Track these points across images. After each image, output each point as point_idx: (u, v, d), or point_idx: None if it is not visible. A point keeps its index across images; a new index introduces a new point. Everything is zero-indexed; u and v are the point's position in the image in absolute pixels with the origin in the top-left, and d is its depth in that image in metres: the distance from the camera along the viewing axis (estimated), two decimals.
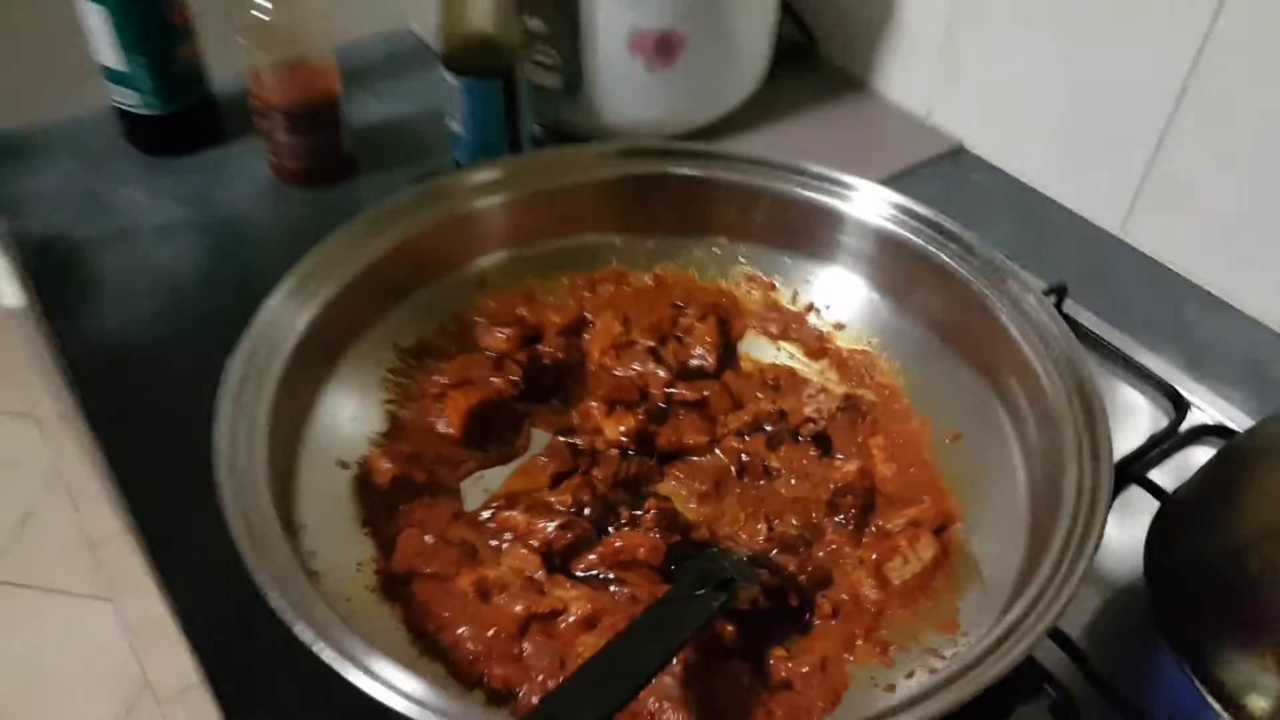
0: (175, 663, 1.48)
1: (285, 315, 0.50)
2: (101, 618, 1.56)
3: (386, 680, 0.36)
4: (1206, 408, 0.66)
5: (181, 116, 0.81)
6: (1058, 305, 0.70)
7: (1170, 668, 0.49)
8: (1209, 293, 0.75)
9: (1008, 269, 0.54)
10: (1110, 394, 0.67)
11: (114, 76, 0.78)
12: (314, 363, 0.51)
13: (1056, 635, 0.49)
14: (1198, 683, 0.48)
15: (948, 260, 0.56)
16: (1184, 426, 0.63)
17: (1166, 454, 0.63)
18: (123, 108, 0.80)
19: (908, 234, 0.57)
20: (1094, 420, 0.48)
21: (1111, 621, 0.54)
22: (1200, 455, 0.62)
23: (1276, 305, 0.72)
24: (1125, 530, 0.55)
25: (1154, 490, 0.57)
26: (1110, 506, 0.44)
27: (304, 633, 0.38)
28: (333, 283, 0.53)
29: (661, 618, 0.42)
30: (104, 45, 0.76)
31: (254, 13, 0.73)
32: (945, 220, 0.57)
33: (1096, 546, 0.41)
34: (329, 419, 0.52)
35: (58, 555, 1.62)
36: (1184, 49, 0.71)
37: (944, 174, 0.87)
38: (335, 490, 0.50)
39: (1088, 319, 0.72)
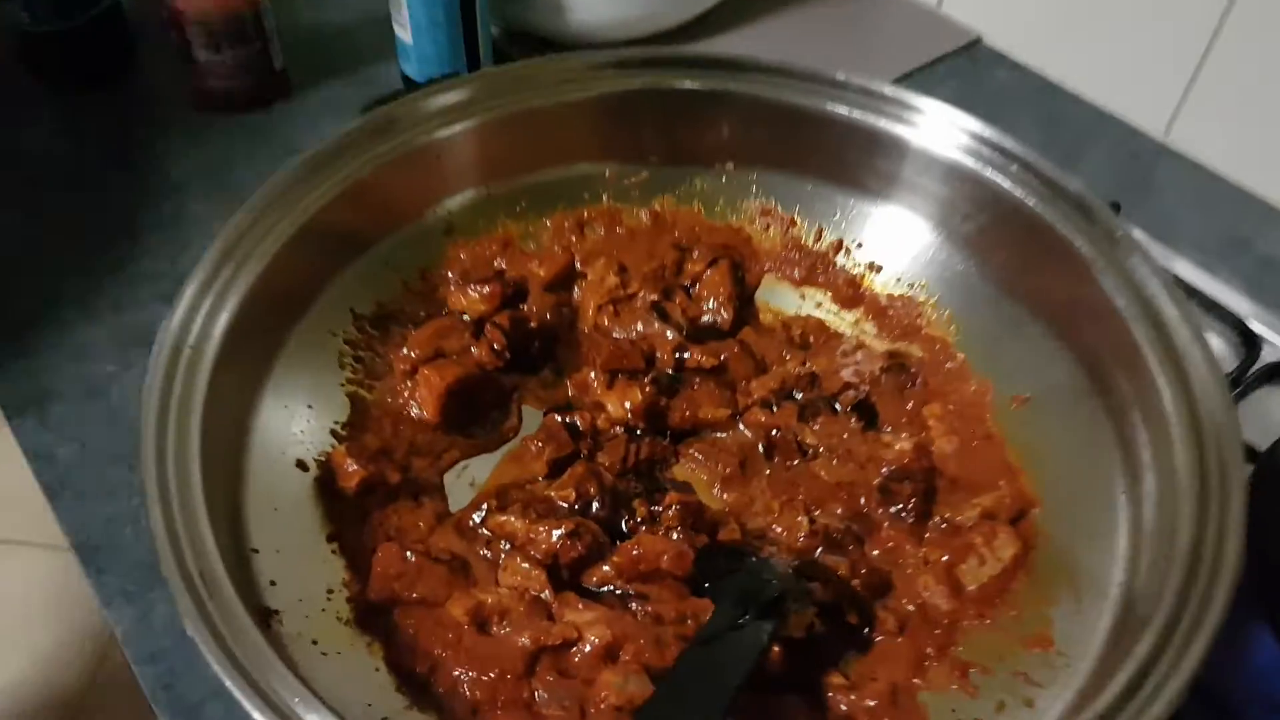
0: None
1: (213, 292, 0.40)
2: (64, 565, 1.48)
3: None
4: (1278, 340, 0.58)
5: (83, 35, 0.69)
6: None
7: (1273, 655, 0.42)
8: (1268, 203, 0.69)
9: (1135, 246, 0.45)
10: None
11: None
12: (254, 344, 0.42)
13: None
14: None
15: (1024, 199, 0.47)
16: (1256, 366, 0.56)
17: (1240, 398, 0.55)
18: (18, 27, 0.68)
19: (972, 163, 0.48)
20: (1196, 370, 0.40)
21: None
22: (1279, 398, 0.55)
23: None
24: None
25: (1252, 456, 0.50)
26: (1248, 500, 0.36)
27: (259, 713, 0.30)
28: (270, 242, 0.43)
29: (701, 665, 0.34)
30: None
31: None
32: (1007, 140, 0.48)
33: (1240, 554, 0.33)
34: (279, 411, 0.43)
35: (11, 505, 1.53)
36: None
37: (960, 72, 0.78)
38: (294, 499, 0.41)
39: (1140, 238, 0.63)
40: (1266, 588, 0.43)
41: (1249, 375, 0.57)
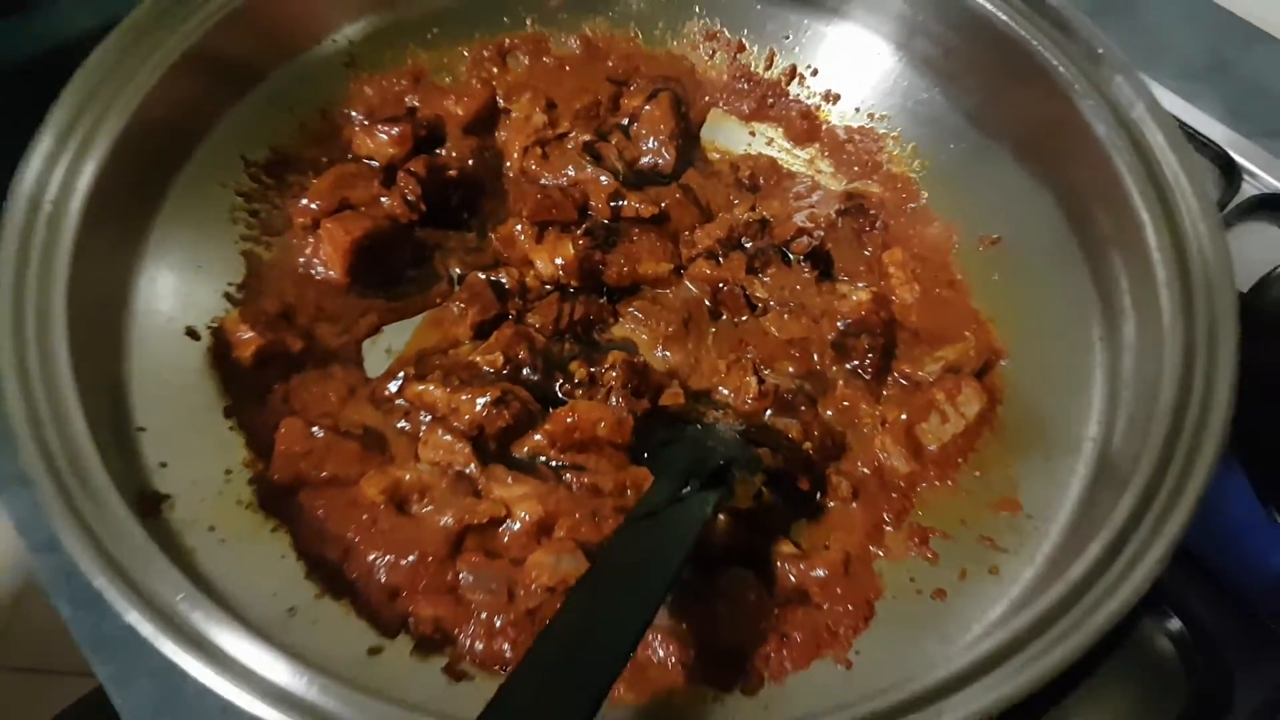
0: None
1: (75, 139, 0.35)
2: None
3: (246, 669, 0.25)
4: (1260, 173, 0.56)
5: None
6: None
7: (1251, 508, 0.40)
8: (1251, 24, 0.65)
9: (1117, 61, 0.40)
10: None
11: None
12: (128, 199, 0.36)
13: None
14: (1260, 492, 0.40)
15: (995, 13, 0.42)
16: (1236, 199, 0.54)
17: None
18: None
19: None
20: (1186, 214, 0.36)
21: None
22: (1260, 235, 0.52)
23: None
24: None
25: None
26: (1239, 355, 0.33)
27: (138, 624, 0.26)
28: (142, 78, 0.37)
29: (640, 540, 0.31)
30: None
31: None
32: None
33: (1229, 416, 0.30)
34: (163, 274, 0.38)
35: None
36: None
37: None
38: (185, 372, 0.37)
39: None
40: (1244, 436, 0.41)
41: (1229, 210, 0.54)
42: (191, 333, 0.38)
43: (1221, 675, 0.30)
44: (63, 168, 0.34)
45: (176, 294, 0.38)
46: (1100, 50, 0.40)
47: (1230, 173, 0.55)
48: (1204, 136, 0.57)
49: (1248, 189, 0.55)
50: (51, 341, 0.31)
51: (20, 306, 0.32)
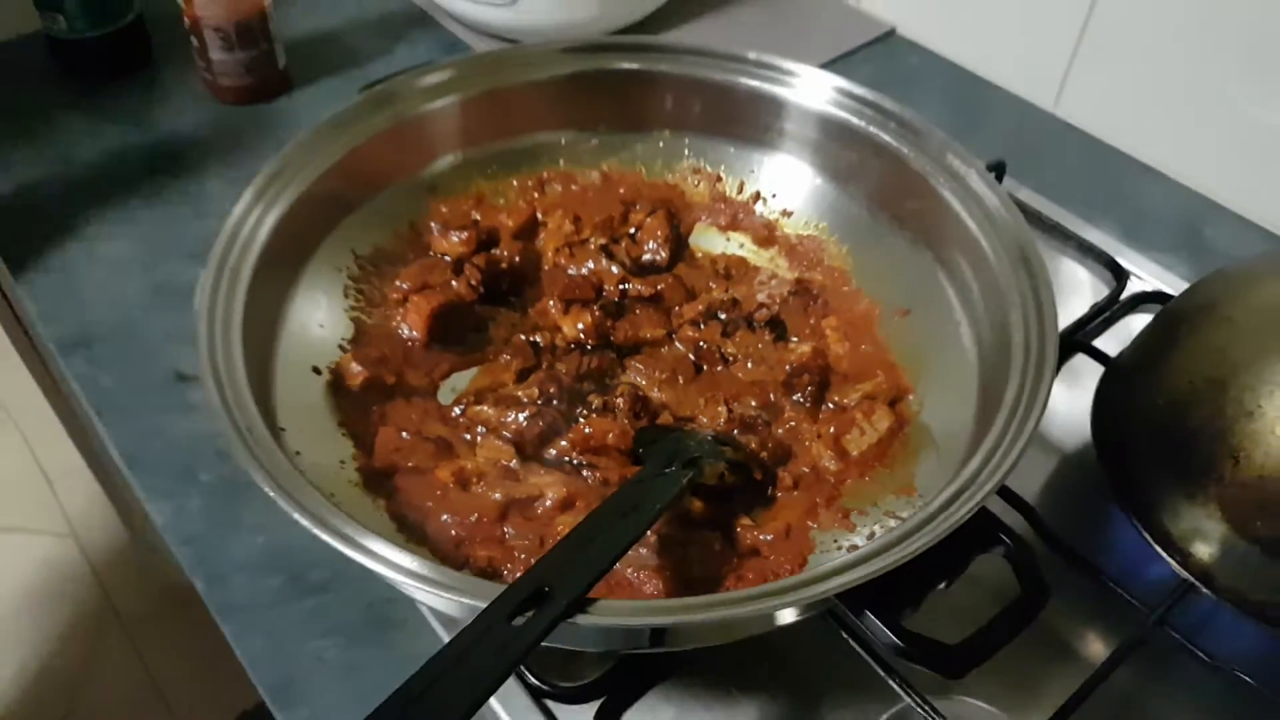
0: (140, 588, 1.50)
1: (248, 224, 0.50)
2: (63, 551, 1.56)
3: (385, 558, 0.38)
4: (1145, 276, 0.69)
5: (111, 40, 0.79)
6: (998, 181, 0.73)
7: (1119, 521, 0.52)
8: (1143, 164, 0.79)
9: (949, 145, 0.56)
10: (1052, 267, 0.69)
11: (40, 1, 0.76)
12: (279, 272, 0.52)
13: (1011, 497, 0.53)
14: (1145, 533, 0.52)
15: (890, 140, 0.58)
16: (1124, 295, 0.67)
17: (1109, 322, 0.66)
18: (51, 34, 0.78)
19: (848, 115, 0.59)
20: (1037, 285, 0.50)
21: (1065, 485, 0.58)
22: (1141, 321, 0.65)
23: (1207, 171, 0.76)
24: (1074, 397, 0.58)
25: (1098, 356, 0.61)
26: (1057, 368, 0.46)
27: (302, 517, 0.39)
28: (291, 191, 0.53)
29: (634, 495, 0.44)
30: None
31: None
32: (884, 100, 0.58)
33: (1044, 405, 0.44)
34: (298, 327, 0.52)
35: (11, 493, 1.61)
36: None
37: (877, 58, 0.88)
38: (311, 395, 0.51)
39: (1026, 195, 0.75)
40: (1111, 467, 0.54)
41: (1117, 303, 0.67)
42: (316, 370, 0.52)
43: (1039, 582, 0.43)
44: (253, 219, 0.50)
45: (305, 344, 0.53)
46: (939, 141, 0.56)
47: (1119, 273, 0.70)
48: (1099, 248, 0.71)
49: (1133, 286, 0.69)
50: (232, 353, 0.46)
51: (212, 319, 0.46)
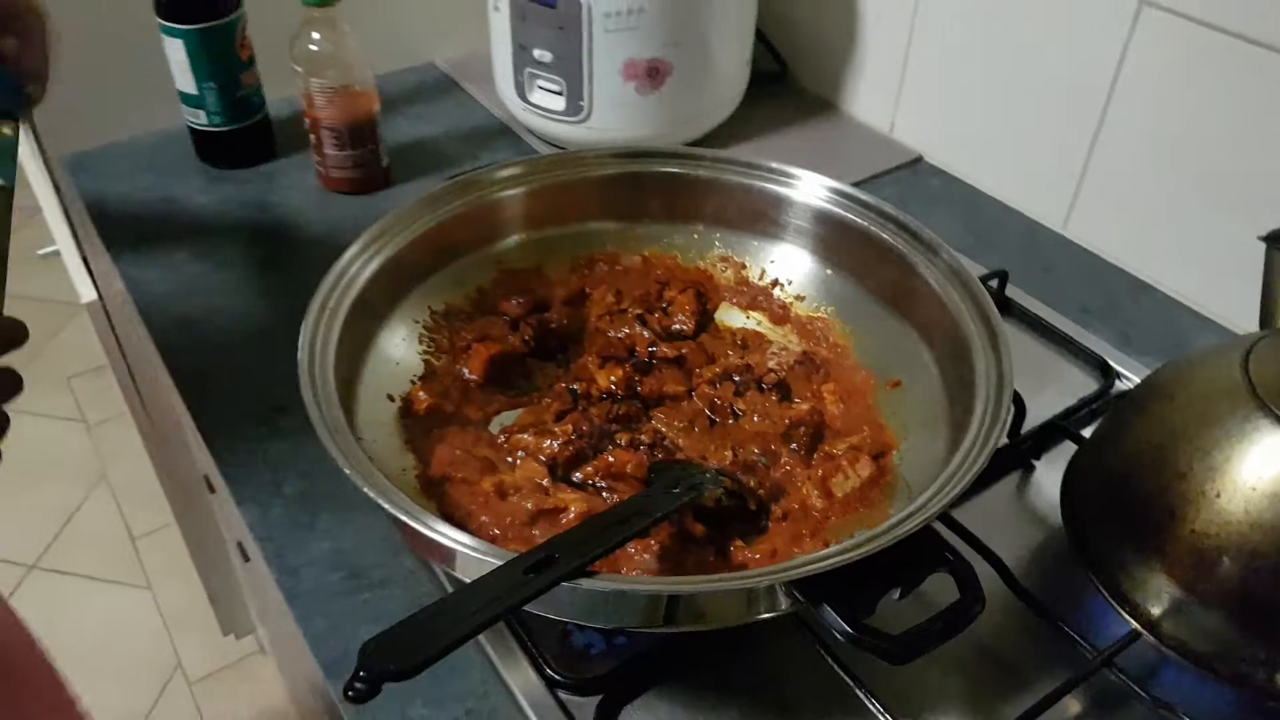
0: (206, 646, 1.60)
1: (350, 272, 0.62)
2: (139, 605, 1.67)
3: (450, 536, 0.47)
4: (1133, 377, 0.77)
5: (243, 133, 0.95)
6: (1001, 289, 0.82)
7: (1081, 577, 0.59)
8: (1140, 279, 0.88)
9: (936, 242, 0.65)
10: (1047, 366, 0.79)
11: (188, 100, 0.92)
12: (368, 315, 0.63)
13: (987, 553, 0.60)
14: (1099, 586, 0.58)
15: (886, 238, 0.68)
16: (1112, 392, 0.75)
17: (1095, 414, 0.74)
18: (194, 126, 0.94)
19: (851, 215, 0.69)
20: (1001, 360, 0.59)
21: (1043, 551, 0.64)
22: None
23: (1194, 288, 0.84)
24: (1058, 478, 0.65)
25: (1079, 440, 0.68)
26: (1007, 422, 0.54)
27: (383, 501, 0.48)
28: (387, 250, 0.64)
29: (640, 503, 0.53)
30: (181, 73, 0.89)
31: (309, 45, 0.86)
32: (883, 204, 0.68)
33: (991, 450, 0.51)
34: (379, 362, 0.63)
35: (99, 547, 1.75)
36: (1101, 79, 0.83)
37: (903, 180, 0.99)
38: (384, 416, 0.61)
39: (1029, 302, 0.83)
40: (1074, 530, 0.61)
41: (1105, 398, 0.74)
42: (390, 397, 0.63)
43: (976, 591, 0.49)
44: (354, 268, 0.61)
45: (383, 375, 0.63)
46: (928, 237, 0.65)
47: (1108, 374, 0.77)
48: (1092, 350, 0.78)
49: (1121, 386, 0.76)
50: (326, 373, 0.56)
51: (313, 345, 0.57)
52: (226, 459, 0.67)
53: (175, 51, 0.88)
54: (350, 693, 0.35)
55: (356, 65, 0.88)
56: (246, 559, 0.87)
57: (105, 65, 0.92)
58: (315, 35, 0.86)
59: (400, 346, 0.66)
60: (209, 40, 0.88)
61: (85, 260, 1.04)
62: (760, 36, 1.03)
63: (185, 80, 0.90)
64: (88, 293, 1.02)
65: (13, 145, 0.55)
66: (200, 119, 0.93)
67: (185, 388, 0.73)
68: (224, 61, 0.90)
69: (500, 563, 0.45)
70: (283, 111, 0.98)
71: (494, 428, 0.65)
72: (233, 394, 0.72)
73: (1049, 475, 0.69)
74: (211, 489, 0.90)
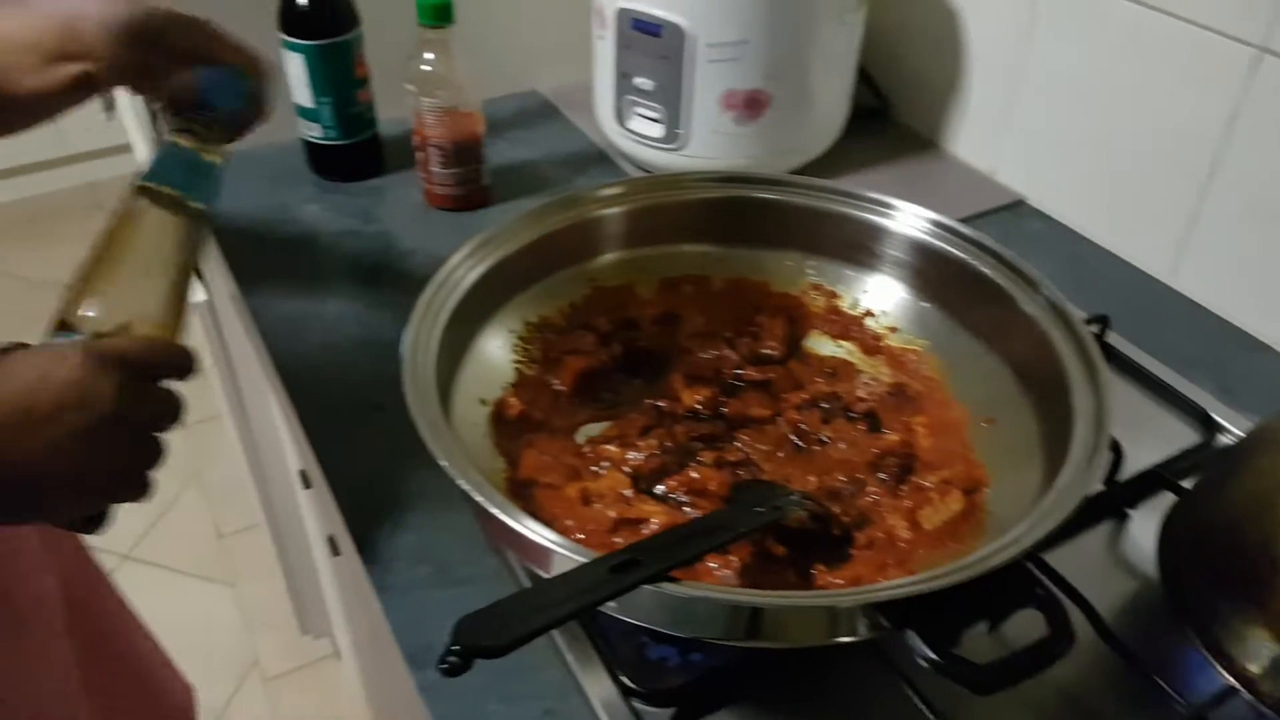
0: (284, 646, 1.63)
1: (455, 275, 0.64)
2: (222, 601, 1.72)
3: (542, 532, 0.48)
4: (1236, 430, 0.74)
5: (354, 148, 0.99)
6: (1101, 334, 0.80)
7: (1178, 629, 0.57)
8: (1248, 333, 0.85)
9: (1037, 278, 0.64)
10: (1146, 415, 0.76)
11: (304, 113, 0.96)
12: (468, 320, 0.65)
13: (1078, 599, 0.58)
14: (1196, 639, 0.56)
15: (986, 272, 0.67)
16: (1213, 445, 0.72)
17: (1195, 466, 0.71)
18: (309, 140, 0.98)
19: (950, 248, 0.68)
20: (1101, 401, 0.57)
21: (1140, 602, 0.62)
22: None
23: None
24: (1156, 528, 0.63)
25: (1178, 490, 0.66)
26: (1105, 464, 0.53)
27: (476, 497, 0.50)
28: (491, 258, 0.66)
29: (723, 518, 0.53)
30: (299, 87, 0.94)
31: (423, 66, 0.89)
32: (983, 237, 0.68)
33: (1084, 491, 0.50)
34: (474, 367, 0.65)
35: (189, 543, 1.81)
36: (1215, 119, 0.81)
37: (1003, 223, 0.98)
38: (477, 419, 0.63)
39: (1130, 349, 0.81)
40: (1171, 582, 0.59)
41: (1207, 450, 0.72)
42: (483, 401, 0.64)
43: (1066, 628, 0.48)
44: (459, 272, 0.63)
45: (478, 380, 0.65)
46: (1029, 273, 0.64)
47: (1210, 426, 0.74)
48: (1194, 401, 0.76)
49: (1222, 439, 0.74)
50: (426, 371, 0.58)
51: (415, 345, 0.58)
52: (326, 453, 0.69)
53: (295, 66, 0.93)
54: (444, 665, 0.36)
55: (465, 87, 0.91)
56: (336, 553, 0.89)
57: None
58: (429, 56, 0.89)
59: (495, 353, 0.67)
60: (327, 57, 0.92)
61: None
62: (863, 72, 1.04)
63: (303, 94, 0.94)
64: (197, 294, 1.07)
65: (219, 172, 0.57)
66: (315, 132, 0.97)
67: (290, 384, 0.75)
68: (340, 78, 0.94)
69: (586, 558, 0.45)
70: (391, 130, 1.02)
71: (579, 438, 0.66)
72: (334, 392, 0.74)
73: (1144, 525, 0.67)
74: (307, 484, 0.93)
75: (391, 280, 0.87)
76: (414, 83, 0.90)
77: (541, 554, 0.48)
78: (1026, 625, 0.49)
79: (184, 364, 0.50)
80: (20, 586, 0.65)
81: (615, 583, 0.43)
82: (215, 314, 1.09)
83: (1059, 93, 0.94)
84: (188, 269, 0.54)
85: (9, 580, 0.64)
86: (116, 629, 0.81)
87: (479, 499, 0.49)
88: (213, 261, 0.95)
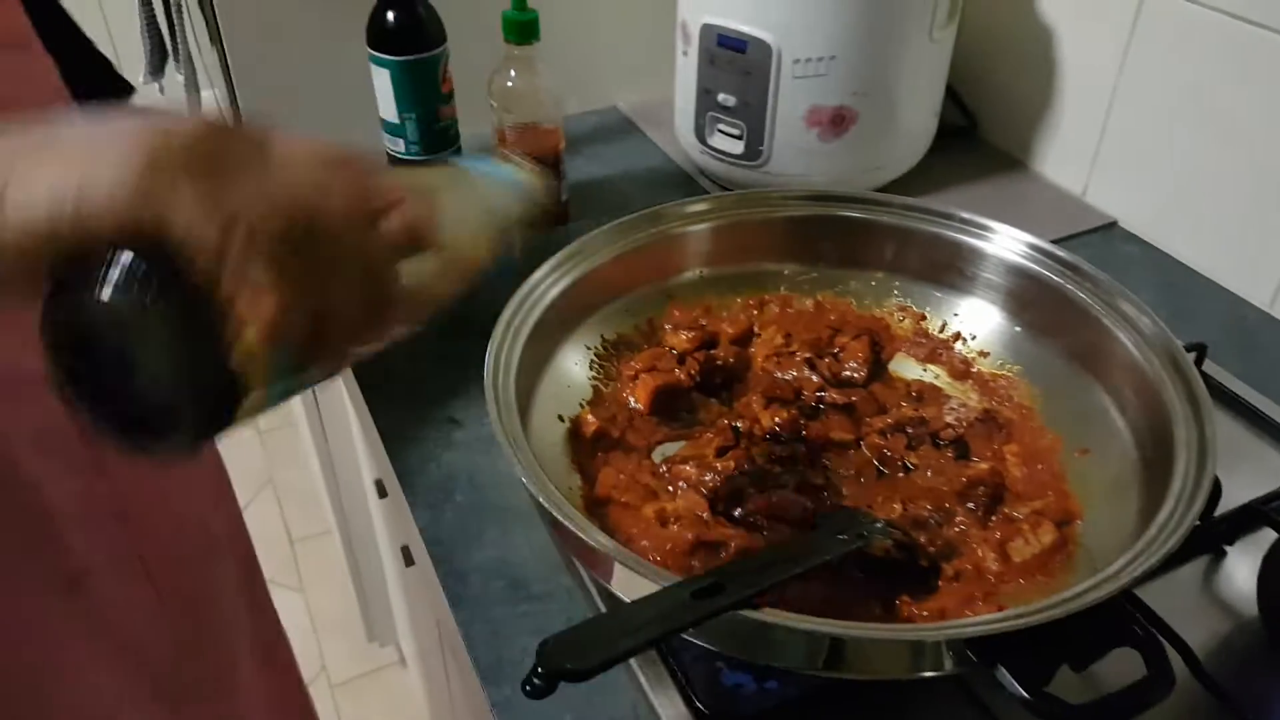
0: (350, 652, 1.65)
1: (537, 291, 0.64)
2: (291, 606, 1.75)
3: (623, 553, 0.47)
4: None
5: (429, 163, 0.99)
6: (1198, 362, 0.76)
7: (1276, 673, 0.54)
8: None
9: (1137, 304, 0.62)
10: (1247, 447, 0.72)
11: (389, 128, 0.97)
12: (548, 336, 0.64)
13: (1174, 638, 0.54)
14: None
15: (1084, 297, 0.64)
16: None
17: None
18: (392, 153, 0.99)
19: (1047, 273, 0.66)
20: (1204, 438, 0.54)
21: (1239, 642, 0.59)
22: None
23: None
24: (1257, 566, 0.60)
25: (1279, 527, 0.62)
26: (1206, 499, 0.50)
27: (555, 513, 0.49)
28: (572, 275, 0.66)
29: (807, 544, 0.51)
30: (385, 102, 0.95)
31: (507, 82, 0.90)
32: (1082, 262, 0.65)
33: (1186, 530, 0.48)
34: (552, 384, 0.65)
35: (260, 547, 1.84)
36: None
37: (1095, 245, 0.94)
38: (554, 435, 0.63)
39: (1227, 379, 0.77)
40: (1274, 625, 0.56)
41: None
42: (560, 418, 0.64)
43: (1166, 670, 0.45)
44: (541, 288, 0.63)
45: (555, 397, 0.65)
46: (1129, 299, 0.62)
47: None
48: None
49: None
50: (508, 389, 0.58)
51: (497, 360, 0.58)
52: (402, 464, 0.70)
53: (382, 81, 0.94)
54: (528, 688, 0.35)
55: (547, 103, 0.91)
56: (410, 563, 0.89)
57: (318, 91, 0.99)
58: (513, 73, 0.90)
59: (573, 370, 0.67)
60: (414, 72, 0.93)
61: None
62: (950, 91, 1.01)
63: (389, 109, 0.95)
64: None
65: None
66: (399, 147, 0.98)
67: (369, 395, 0.76)
68: (426, 93, 0.95)
69: (668, 584, 0.44)
70: (473, 146, 1.03)
71: (656, 457, 0.65)
72: (412, 404, 0.75)
73: (1243, 562, 0.63)
74: (383, 493, 0.93)
75: (470, 295, 0.87)
76: (496, 98, 0.91)
77: (620, 574, 0.47)
78: (1119, 664, 0.46)
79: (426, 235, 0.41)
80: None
81: (699, 608, 0.42)
82: None
83: (1155, 114, 0.90)
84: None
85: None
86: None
87: (558, 515, 0.48)
88: None
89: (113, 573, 0.63)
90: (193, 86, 1.10)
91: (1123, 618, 0.47)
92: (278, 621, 0.89)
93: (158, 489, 0.66)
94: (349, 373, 0.79)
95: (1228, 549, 0.64)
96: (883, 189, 0.97)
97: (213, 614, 0.73)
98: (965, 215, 0.70)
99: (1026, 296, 0.68)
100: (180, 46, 1.05)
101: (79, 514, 0.59)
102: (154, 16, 1.08)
